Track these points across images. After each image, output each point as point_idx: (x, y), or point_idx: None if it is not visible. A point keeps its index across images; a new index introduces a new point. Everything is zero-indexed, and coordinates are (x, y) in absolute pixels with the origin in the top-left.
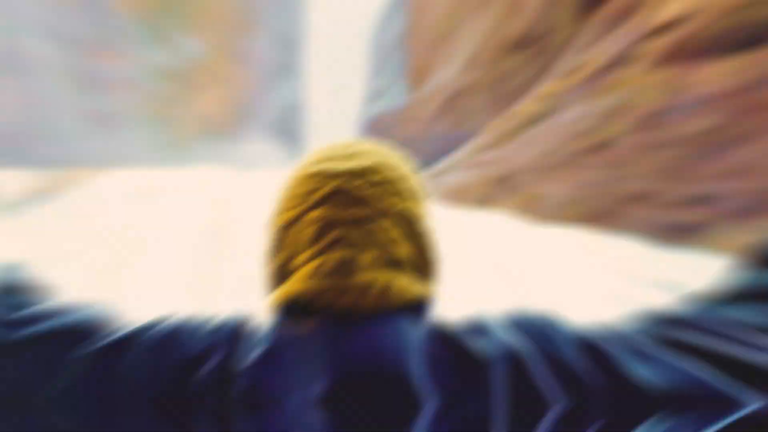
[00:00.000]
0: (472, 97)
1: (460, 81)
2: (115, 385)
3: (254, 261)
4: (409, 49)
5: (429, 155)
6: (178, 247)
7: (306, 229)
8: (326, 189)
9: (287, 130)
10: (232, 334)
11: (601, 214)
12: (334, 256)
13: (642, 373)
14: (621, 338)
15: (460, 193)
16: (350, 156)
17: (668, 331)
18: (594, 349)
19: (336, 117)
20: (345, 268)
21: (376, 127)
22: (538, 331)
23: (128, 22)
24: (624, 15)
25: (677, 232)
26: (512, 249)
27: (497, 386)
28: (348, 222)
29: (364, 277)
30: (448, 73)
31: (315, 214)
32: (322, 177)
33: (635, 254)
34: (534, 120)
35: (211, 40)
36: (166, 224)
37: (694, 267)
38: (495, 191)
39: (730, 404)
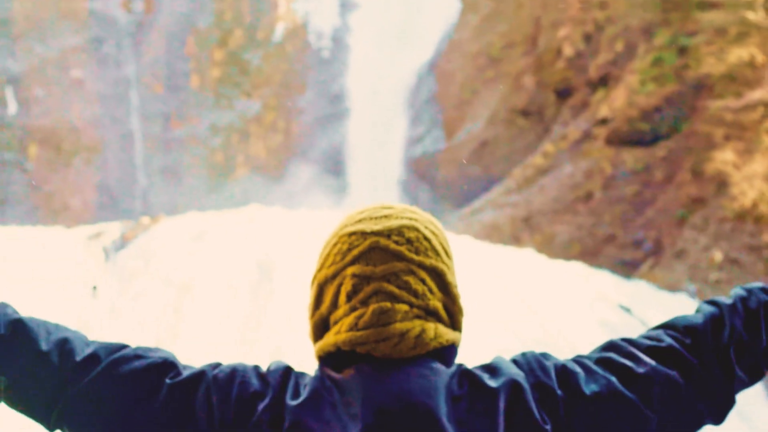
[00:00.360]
0: (496, 148)
1: (485, 134)
2: (192, 412)
3: (300, 297)
4: (440, 106)
5: (466, 194)
6: (230, 284)
7: (345, 284)
8: (363, 246)
9: (332, 170)
10: (281, 377)
11: (589, 251)
12: (373, 307)
13: (590, 387)
14: (582, 363)
15: (494, 230)
16: (385, 217)
17: (603, 353)
18: (566, 374)
19: (378, 158)
20: (383, 319)
21: (417, 168)
22: (533, 366)
23: (197, 93)
24: (582, 106)
25: (629, 267)
26: (533, 282)
27: (500, 409)
28: (385, 275)
29: (401, 326)
30: (475, 127)
31: (353, 269)
32: (359, 235)
33: (608, 284)
34: (543, 171)
35: (264, 100)
36: (219, 262)
37: (641, 294)
38: (521, 229)
39: (626, 399)
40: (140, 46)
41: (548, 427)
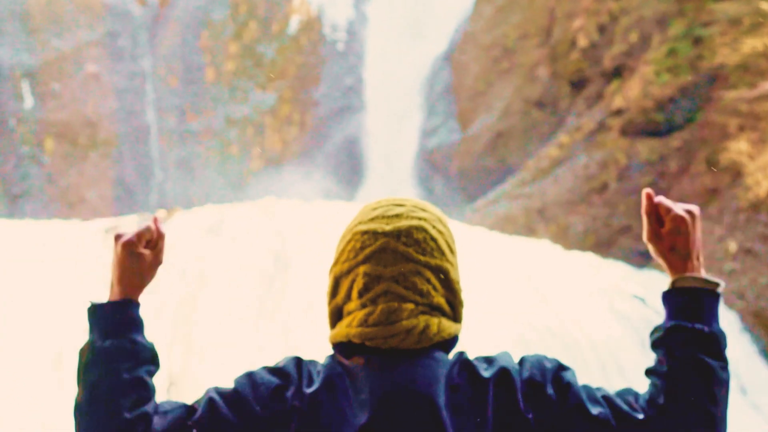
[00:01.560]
0: (511, 139)
1: (500, 125)
2: (228, 414)
3: (315, 289)
4: (455, 97)
5: (480, 185)
6: (245, 276)
7: (357, 281)
8: (375, 246)
9: (347, 162)
10: (295, 368)
11: (604, 242)
12: (381, 306)
13: (595, 410)
14: (586, 386)
15: (509, 221)
16: (396, 216)
17: (599, 391)
18: (563, 380)
19: (393, 150)
20: (391, 317)
21: (432, 159)
22: (533, 364)
23: (212, 86)
24: (597, 97)
25: (643, 258)
26: (548, 273)
27: (490, 397)
28: (393, 276)
29: (407, 323)
30: (490, 118)
31: (364, 268)
32: (371, 235)
33: (622, 275)
34: (558, 162)
35: (279, 92)
36: (234, 254)
37: (655, 284)
38: (536, 221)
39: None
40: (155, 40)
41: (530, 416)
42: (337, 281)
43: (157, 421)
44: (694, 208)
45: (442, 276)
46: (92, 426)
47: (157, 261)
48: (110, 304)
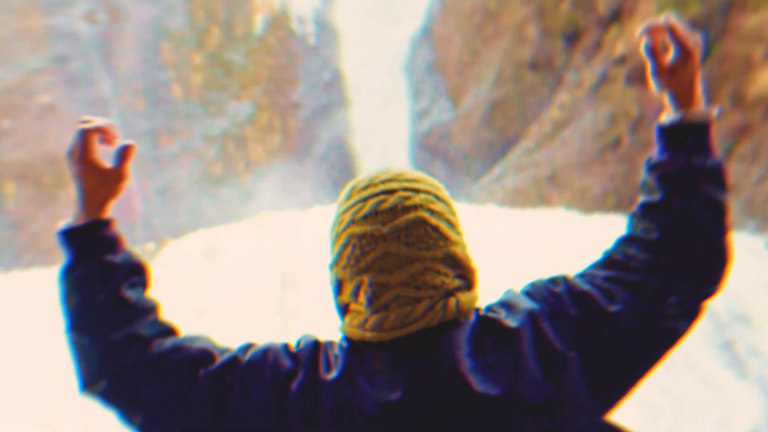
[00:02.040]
0: (507, 108)
1: (494, 95)
2: (230, 400)
3: (325, 302)
4: (441, 74)
5: (483, 161)
6: (250, 299)
7: (364, 288)
8: (375, 252)
9: (339, 161)
10: (311, 353)
11: (627, 201)
12: (395, 312)
13: (611, 306)
14: (593, 282)
15: (519, 194)
16: (391, 211)
17: (608, 271)
18: (582, 296)
19: (385, 141)
20: (406, 320)
21: (427, 143)
22: (545, 295)
23: (182, 103)
24: (595, 48)
25: None
26: (568, 241)
27: (524, 347)
28: (402, 281)
29: (424, 319)
30: (481, 90)
31: (369, 277)
32: (369, 239)
33: None
34: (562, 124)
35: (254, 99)
36: (238, 278)
37: None
38: (548, 189)
39: (643, 312)
40: (111, 60)
41: (573, 354)
42: (341, 282)
43: (168, 353)
44: (698, 38)
45: (451, 261)
46: (83, 352)
47: (120, 174)
48: (73, 231)
